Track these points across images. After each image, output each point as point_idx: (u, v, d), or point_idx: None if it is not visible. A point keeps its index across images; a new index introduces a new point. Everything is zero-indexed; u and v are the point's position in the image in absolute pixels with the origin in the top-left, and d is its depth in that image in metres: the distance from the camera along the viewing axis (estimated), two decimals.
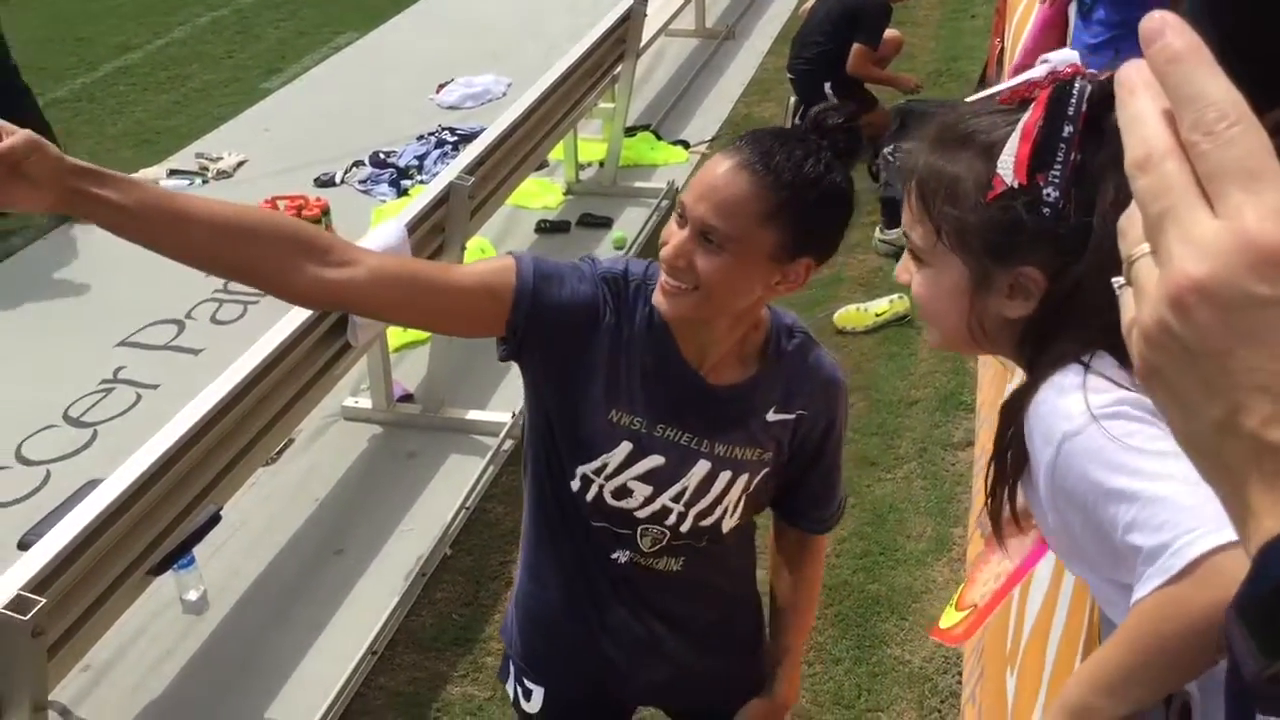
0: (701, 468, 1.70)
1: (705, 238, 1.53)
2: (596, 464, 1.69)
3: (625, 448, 1.67)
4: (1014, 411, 1.24)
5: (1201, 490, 1.02)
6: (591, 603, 1.84)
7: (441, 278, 1.60)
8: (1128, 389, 1.12)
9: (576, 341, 1.64)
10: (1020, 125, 1.16)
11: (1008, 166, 1.16)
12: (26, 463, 4.04)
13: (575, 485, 1.71)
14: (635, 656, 1.86)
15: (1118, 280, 0.57)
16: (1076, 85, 1.14)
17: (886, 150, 5.72)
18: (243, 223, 1.44)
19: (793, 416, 1.72)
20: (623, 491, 1.70)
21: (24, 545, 2.61)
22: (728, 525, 1.76)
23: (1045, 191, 1.14)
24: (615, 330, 1.65)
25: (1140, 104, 0.54)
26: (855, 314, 4.72)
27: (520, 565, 1.95)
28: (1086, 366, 1.15)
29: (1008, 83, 1.23)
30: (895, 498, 3.77)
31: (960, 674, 3.07)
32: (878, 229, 5.31)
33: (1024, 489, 1.26)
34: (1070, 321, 1.17)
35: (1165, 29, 0.52)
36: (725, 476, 1.71)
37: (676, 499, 1.71)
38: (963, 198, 1.21)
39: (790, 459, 1.76)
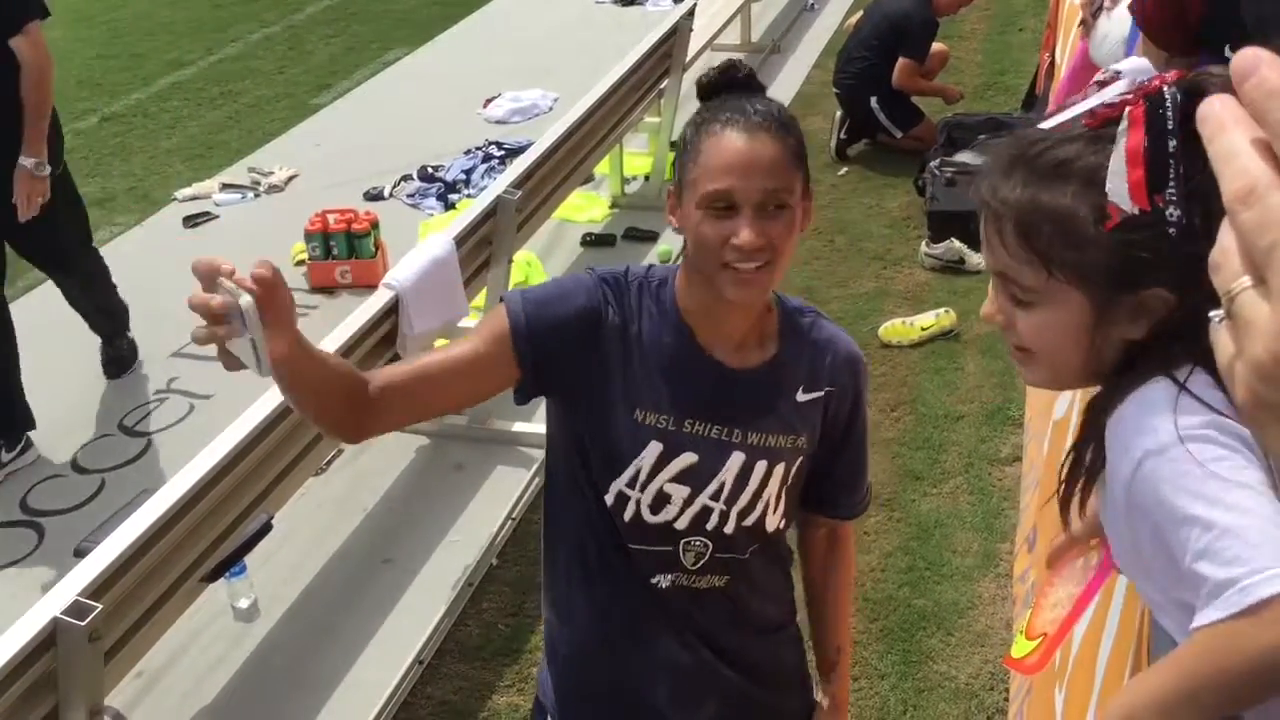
0: (736, 460, 1.65)
1: (769, 207, 1.53)
2: (629, 473, 1.64)
3: (655, 449, 1.62)
4: (1098, 413, 1.21)
5: (1278, 530, 1.02)
6: (630, 638, 1.75)
7: (450, 361, 1.60)
8: (1220, 411, 1.10)
9: (585, 350, 1.62)
10: (1122, 148, 1.12)
11: (1121, 193, 1.12)
12: (82, 471, 4.11)
13: (609, 502, 1.65)
14: (680, 694, 1.76)
15: (1215, 313, 0.56)
16: (1168, 95, 1.10)
17: (933, 164, 5.71)
18: (327, 383, 1.52)
19: (822, 394, 1.69)
20: (660, 500, 1.65)
21: (80, 553, 2.67)
22: (772, 523, 1.71)
23: (1168, 212, 1.10)
24: (622, 329, 1.63)
25: (1233, 137, 0.54)
26: (901, 328, 4.70)
27: (545, 608, 1.86)
28: (1181, 385, 1.13)
29: (1085, 104, 1.19)
30: (941, 512, 3.75)
31: (1007, 690, 3.05)
32: (924, 243, 5.29)
33: (1096, 489, 1.25)
34: (1184, 336, 1.12)
35: (1260, 64, 0.52)
36: (762, 467, 1.66)
37: (715, 496, 1.65)
38: (1077, 232, 1.16)
39: (821, 439, 1.72)
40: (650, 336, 1.63)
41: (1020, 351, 1.28)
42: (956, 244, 5.21)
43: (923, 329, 4.69)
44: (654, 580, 1.69)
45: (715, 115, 1.56)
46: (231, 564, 2.95)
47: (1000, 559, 3.55)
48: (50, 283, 5.35)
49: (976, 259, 5.19)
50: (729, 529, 1.68)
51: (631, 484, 1.64)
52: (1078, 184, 1.16)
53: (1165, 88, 1.11)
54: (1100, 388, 1.24)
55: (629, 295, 1.64)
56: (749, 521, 1.68)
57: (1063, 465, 1.26)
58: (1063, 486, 1.26)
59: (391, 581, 3.60)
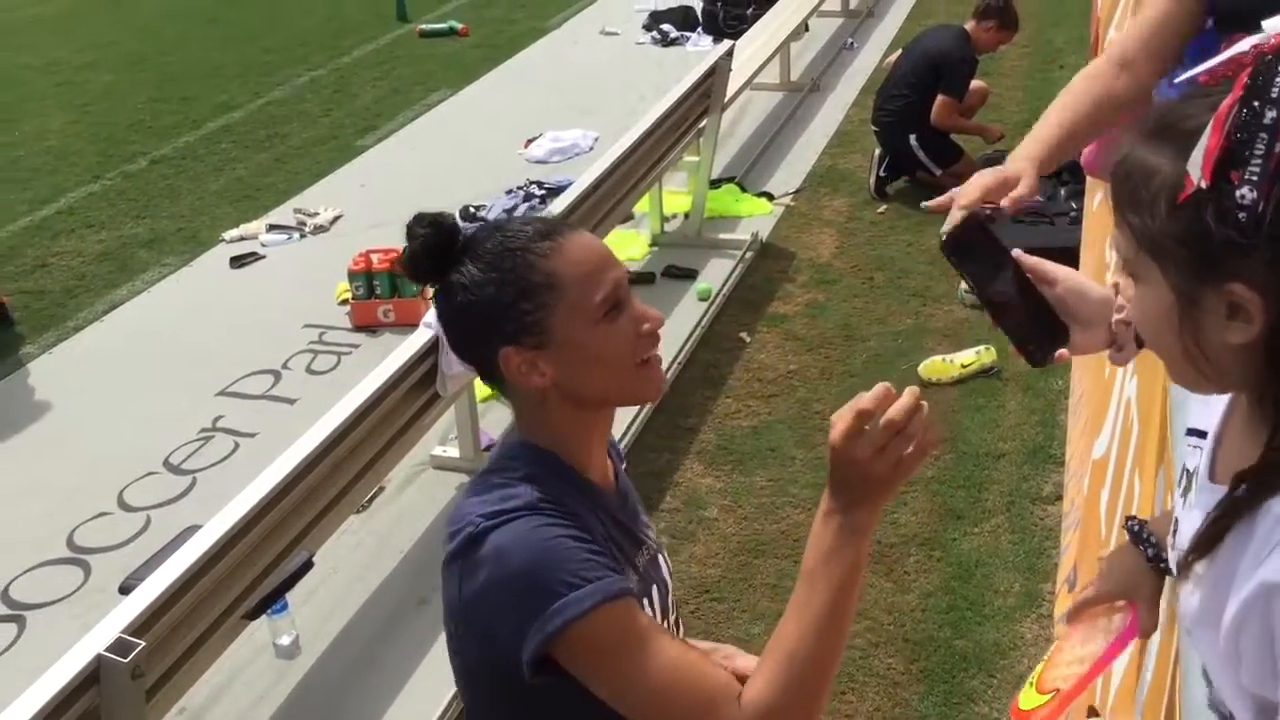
0: (664, 562, 1.59)
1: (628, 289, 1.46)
2: None
3: (647, 605, 1.47)
4: (1252, 493, 1.05)
5: None
6: None
7: (697, 658, 1.37)
8: None
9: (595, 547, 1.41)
10: (1214, 113, 0.98)
11: (1196, 163, 0.98)
12: (128, 509, 4.17)
13: None
14: None
15: None
16: None
17: None
18: None
19: (611, 449, 1.60)
20: None
21: (125, 589, 2.71)
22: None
23: (1240, 193, 0.96)
24: (584, 527, 1.41)
25: None
26: (941, 365, 4.69)
27: None
28: None
29: (1213, 60, 1.04)
30: (982, 552, 3.72)
31: None
32: (963, 280, 5.26)
33: (1207, 561, 1.10)
34: None
35: None
36: (665, 557, 1.61)
37: (669, 611, 1.57)
38: (1150, 201, 1.03)
39: None
40: (587, 518, 1.43)
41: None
42: None
43: (963, 366, 4.67)
44: None
45: (525, 244, 1.41)
46: (273, 601, 2.98)
47: (1043, 599, 3.51)
48: (99, 326, 5.46)
49: None
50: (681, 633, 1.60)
51: None
52: (1175, 147, 1.02)
53: None
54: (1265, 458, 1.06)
55: (555, 501, 1.40)
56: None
57: (1201, 533, 1.11)
58: (1190, 555, 1.12)
59: (430, 620, 3.61)
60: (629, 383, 1.45)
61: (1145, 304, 1.08)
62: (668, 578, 1.60)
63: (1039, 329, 1.36)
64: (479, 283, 1.41)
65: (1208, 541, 1.09)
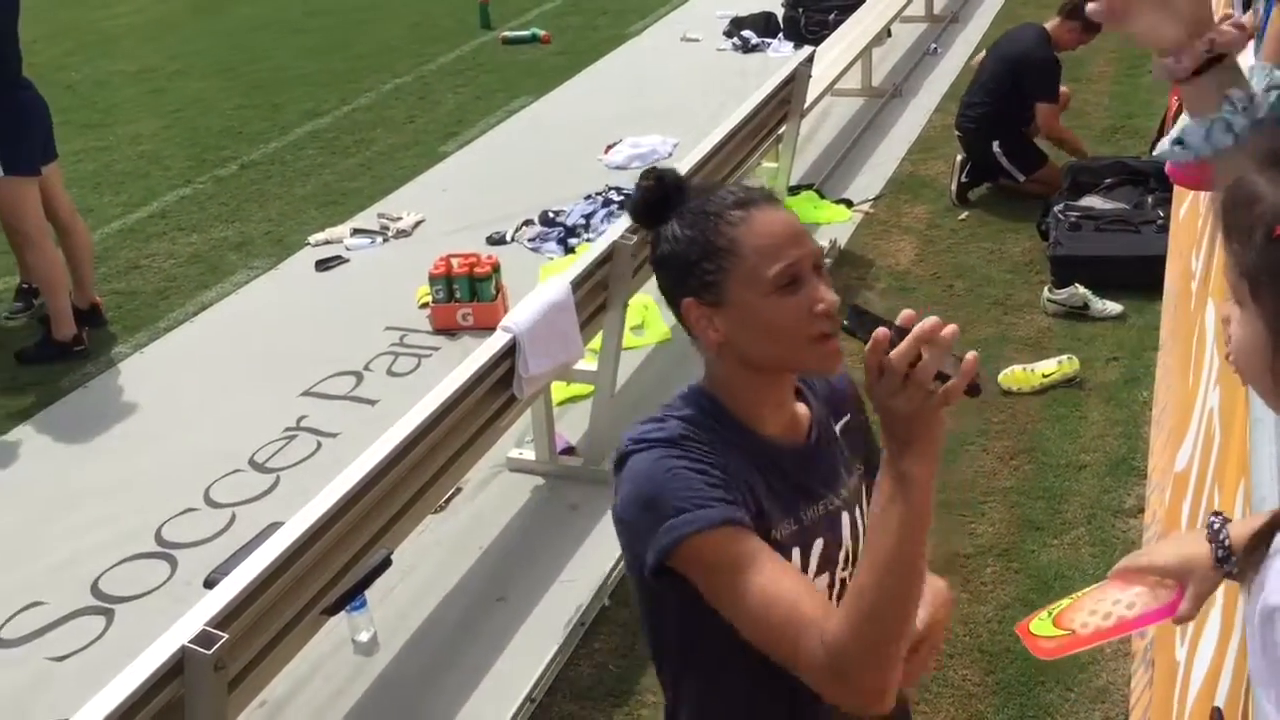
0: (846, 520, 1.65)
1: (819, 268, 1.54)
2: None
3: (795, 555, 1.58)
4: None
5: None
6: None
7: (798, 581, 1.50)
8: None
9: (732, 488, 1.52)
10: None
11: None
12: (214, 505, 4.27)
13: None
14: None
15: None
16: None
17: (1057, 208, 5.62)
18: None
19: (849, 417, 1.70)
20: None
21: (210, 583, 2.78)
22: None
23: None
24: (721, 466, 1.53)
25: None
26: (1022, 375, 4.62)
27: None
28: None
29: None
30: (1062, 564, 3.67)
31: None
32: (1046, 288, 5.20)
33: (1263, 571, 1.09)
34: None
35: None
36: (860, 516, 1.66)
37: (845, 565, 1.63)
38: (1248, 229, 1.00)
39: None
40: (738, 460, 1.56)
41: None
42: (1080, 290, 5.11)
43: (1044, 376, 4.60)
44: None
45: (721, 204, 1.54)
46: (352, 598, 3.03)
47: None
48: (188, 326, 5.60)
49: (1100, 305, 5.08)
50: None
51: None
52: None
53: None
54: None
55: (697, 436, 1.54)
56: None
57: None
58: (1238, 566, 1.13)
59: (506, 619, 3.65)
60: (802, 354, 1.54)
61: (1242, 331, 1.06)
62: (847, 538, 1.64)
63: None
64: (676, 238, 1.57)
65: (1247, 555, 1.09)
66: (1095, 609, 1.40)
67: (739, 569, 1.46)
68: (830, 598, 1.59)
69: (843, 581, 1.61)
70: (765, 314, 1.52)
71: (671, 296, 1.61)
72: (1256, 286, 1.01)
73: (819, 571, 1.60)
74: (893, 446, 1.34)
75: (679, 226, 1.57)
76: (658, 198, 1.59)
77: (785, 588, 1.45)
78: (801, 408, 1.66)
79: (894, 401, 1.30)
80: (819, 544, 1.60)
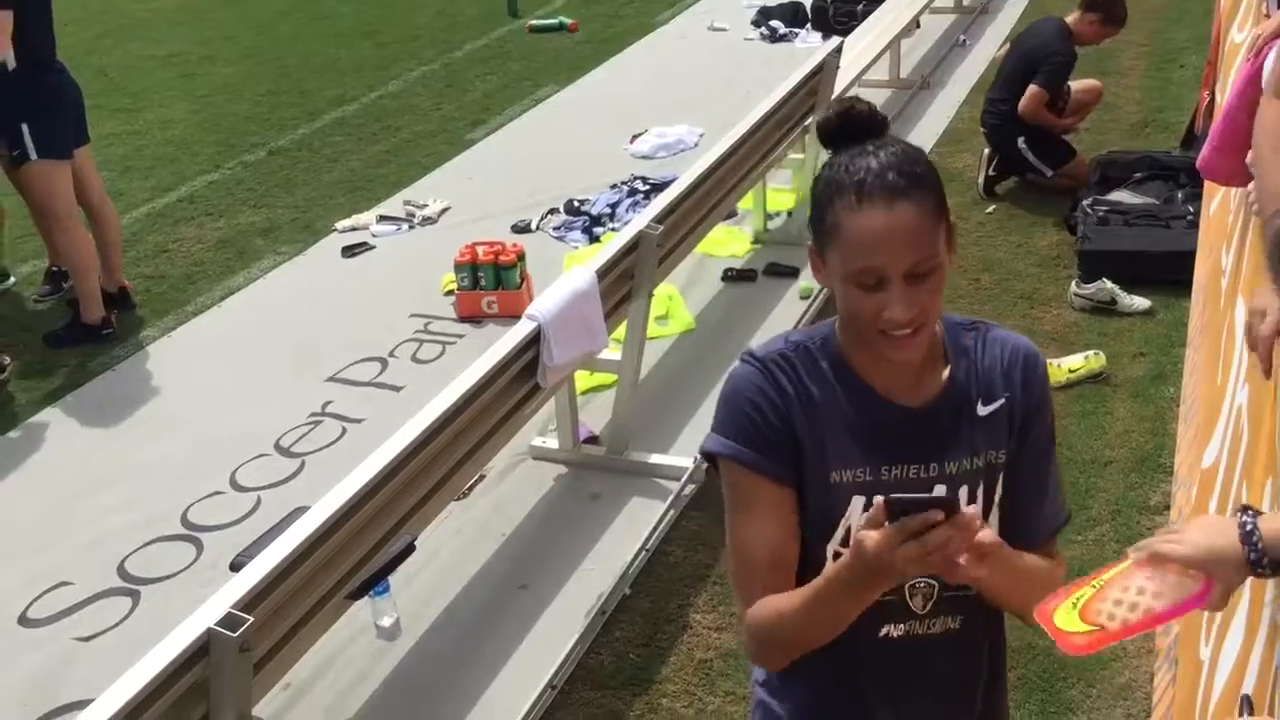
0: (939, 493, 1.62)
1: (916, 278, 1.52)
2: (839, 533, 1.63)
3: (858, 503, 1.62)
4: None
5: None
6: (848, 708, 1.73)
7: (777, 539, 1.64)
8: None
9: (786, 428, 1.62)
10: None
11: None
12: (240, 489, 4.30)
13: (829, 563, 1.62)
14: None
15: None
16: None
17: (1085, 203, 5.59)
18: None
19: (1002, 401, 1.66)
20: None
21: (235, 566, 2.80)
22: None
23: None
24: (798, 403, 1.63)
25: None
26: (1049, 369, 4.59)
27: (760, 688, 1.84)
28: None
29: None
30: (1086, 561, 3.65)
31: None
32: (1074, 283, 5.17)
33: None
34: None
35: None
36: (964, 494, 1.63)
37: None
38: None
39: (1014, 449, 1.67)
40: (828, 397, 1.63)
41: None
42: (1108, 284, 5.07)
43: (1070, 371, 4.58)
44: (883, 633, 1.67)
45: (849, 181, 1.53)
46: (375, 583, 3.05)
47: None
48: (216, 311, 5.64)
49: (1128, 300, 5.05)
50: None
51: (845, 542, 1.62)
52: None
53: None
54: None
55: (796, 366, 1.64)
56: None
57: None
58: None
59: (527, 607, 3.67)
60: (872, 340, 1.58)
61: None
62: None
63: None
64: (821, 177, 1.59)
65: None
66: (1120, 598, 1.37)
67: (734, 507, 1.66)
68: None
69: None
70: (844, 296, 1.57)
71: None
72: None
73: None
74: (854, 570, 1.47)
75: (828, 170, 1.58)
76: (835, 128, 1.60)
77: (757, 544, 1.64)
78: (943, 373, 1.65)
79: (881, 580, 1.46)
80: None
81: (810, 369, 1.64)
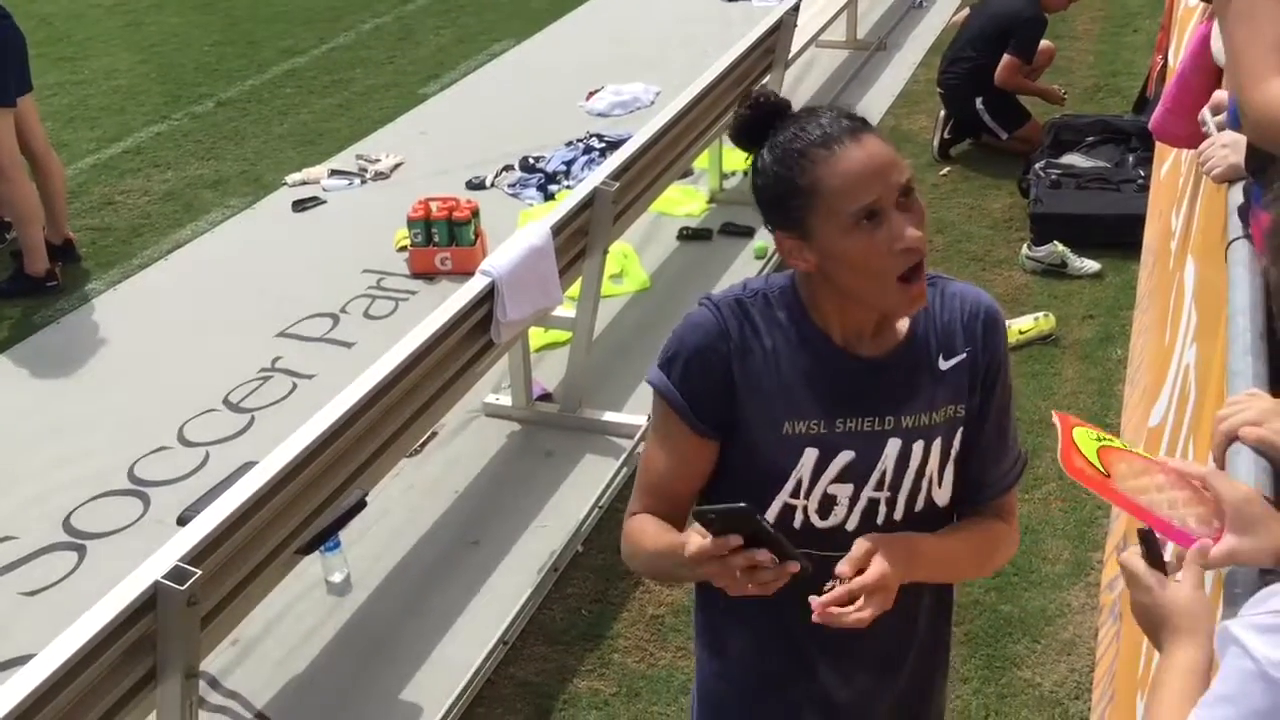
0: (893, 446, 1.63)
1: (905, 205, 1.53)
2: (790, 485, 1.63)
3: (810, 455, 1.62)
4: None
5: None
6: (794, 667, 1.74)
7: (674, 473, 1.71)
8: None
9: (725, 384, 1.63)
10: None
11: None
12: (188, 444, 4.25)
13: (774, 518, 1.63)
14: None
15: None
16: None
17: (1038, 166, 5.62)
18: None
19: (964, 355, 1.65)
20: (826, 504, 1.64)
21: (182, 521, 2.77)
22: (941, 498, 1.67)
23: None
24: (748, 352, 1.62)
25: None
26: None
27: (698, 651, 1.87)
28: None
29: None
30: (1032, 519, 3.70)
31: (1092, 700, 3.00)
32: (1026, 245, 5.21)
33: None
34: None
35: None
36: (919, 447, 1.64)
37: (879, 487, 1.64)
38: None
39: (974, 405, 1.66)
40: (784, 347, 1.63)
41: None
42: (1059, 247, 5.12)
43: (1020, 332, 4.62)
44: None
45: (811, 139, 1.54)
46: (326, 538, 3.03)
47: (1091, 568, 3.50)
48: (163, 264, 5.56)
49: (1079, 263, 5.10)
50: (898, 516, 1.66)
51: (795, 494, 1.64)
52: None
53: None
54: None
55: (753, 313, 1.64)
56: (919, 505, 1.66)
57: None
58: None
59: (479, 563, 3.66)
60: (883, 293, 1.55)
61: None
62: (891, 462, 1.63)
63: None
64: (764, 171, 1.60)
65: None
66: (1139, 478, 1.32)
67: (655, 426, 1.72)
68: (851, 512, 1.64)
69: (870, 500, 1.64)
70: (850, 252, 1.53)
71: (766, 223, 1.64)
72: None
73: (840, 480, 1.63)
74: (682, 561, 1.55)
75: (769, 159, 1.58)
76: (752, 123, 1.61)
77: (657, 469, 1.72)
78: (902, 325, 1.65)
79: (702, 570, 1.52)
80: (846, 455, 1.62)
81: (766, 316, 1.64)
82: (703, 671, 1.86)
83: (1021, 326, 4.64)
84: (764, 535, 1.47)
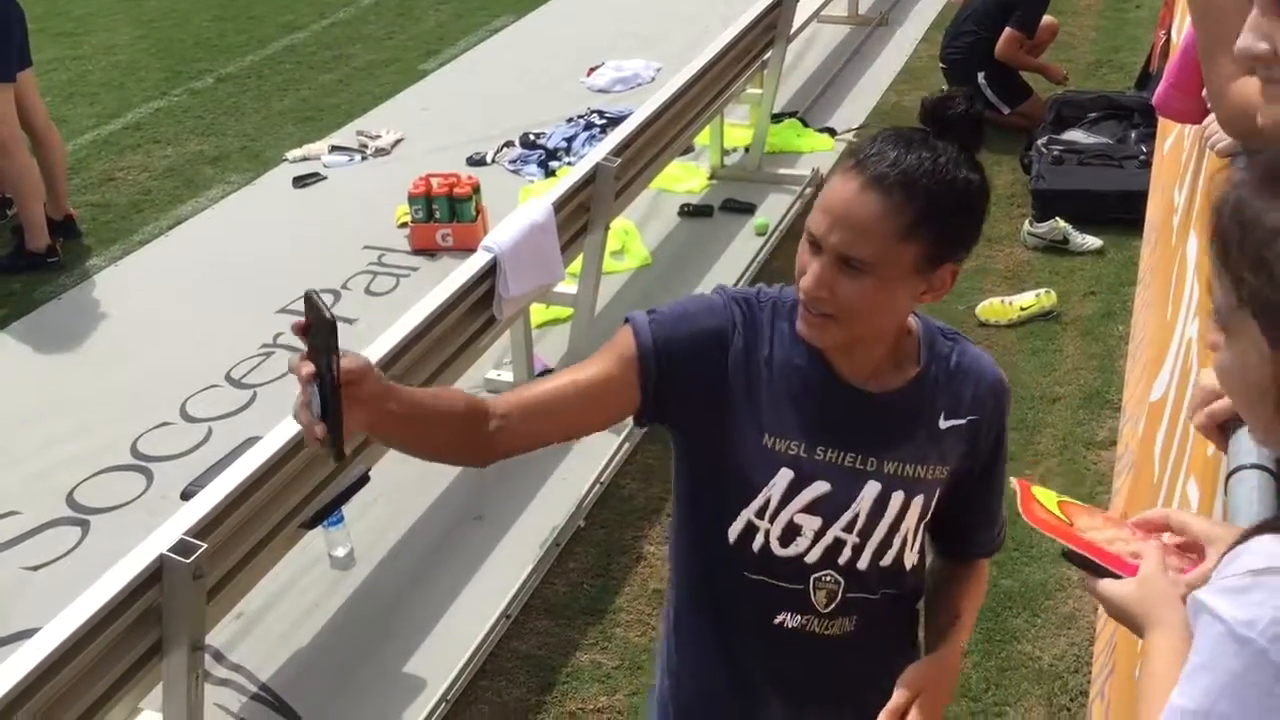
0: (871, 489, 1.58)
1: (846, 264, 1.46)
2: (759, 502, 1.58)
3: (785, 475, 1.57)
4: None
5: None
6: (738, 693, 1.70)
7: (572, 386, 1.55)
8: None
9: (711, 374, 1.57)
10: None
11: None
12: (190, 420, 4.26)
13: (737, 532, 1.60)
14: None
15: None
16: None
17: (1040, 142, 5.61)
18: (438, 409, 1.51)
19: (964, 422, 1.61)
20: (790, 532, 1.59)
21: (187, 496, 2.79)
22: (909, 560, 1.65)
23: None
24: (751, 352, 1.57)
25: None
26: (999, 307, 4.64)
27: (659, 668, 1.83)
28: None
29: None
30: None
31: (1091, 673, 3.02)
32: (1027, 221, 5.21)
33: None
34: None
35: None
36: (899, 498, 1.59)
37: (849, 528, 1.59)
38: (1269, 261, 0.96)
39: (961, 471, 1.63)
40: (781, 360, 1.57)
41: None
42: (1061, 224, 5.12)
43: (1022, 309, 4.63)
44: (778, 620, 1.62)
45: (863, 152, 1.49)
46: (330, 513, 3.05)
47: None
48: (164, 240, 5.55)
49: (1080, 239, 5.09)
50: (862, 564, 1.61)
51: (761, 513, 1.59)
52: None
53: None
54: None
55: (760, 317, 1.59)
56: (886, 560, 1.62)
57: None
58: None
59: (482, 538, 3.68)
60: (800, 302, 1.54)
61: (1237, 361, 1.02)
62: (865, 505, 1.59)
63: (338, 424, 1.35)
64: None
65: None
66: (1102, 530, 1.34)
67: (600, 351, 1.61)
68: (814, 546, 1.59)
69: (837, 540, 1.60)
70: (800, 251, 1.53)
71: None
72: (1272, 322, 0.98)
73: (809, 511, 1.58)
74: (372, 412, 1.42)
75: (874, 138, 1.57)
76: (931, 111, 1.53)
77: (563, 383, 1.57)
78: (909, 371, 1.60)
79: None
80: (821, 486, 1.58)
81: (772, 324, 1.59)
82: (658, 691, 1.83)
83: (1023, 303, 4.64)
84: (331, 367, 1.35)
